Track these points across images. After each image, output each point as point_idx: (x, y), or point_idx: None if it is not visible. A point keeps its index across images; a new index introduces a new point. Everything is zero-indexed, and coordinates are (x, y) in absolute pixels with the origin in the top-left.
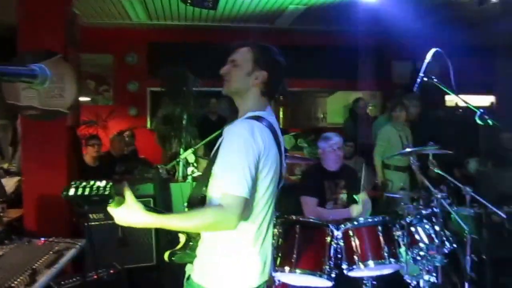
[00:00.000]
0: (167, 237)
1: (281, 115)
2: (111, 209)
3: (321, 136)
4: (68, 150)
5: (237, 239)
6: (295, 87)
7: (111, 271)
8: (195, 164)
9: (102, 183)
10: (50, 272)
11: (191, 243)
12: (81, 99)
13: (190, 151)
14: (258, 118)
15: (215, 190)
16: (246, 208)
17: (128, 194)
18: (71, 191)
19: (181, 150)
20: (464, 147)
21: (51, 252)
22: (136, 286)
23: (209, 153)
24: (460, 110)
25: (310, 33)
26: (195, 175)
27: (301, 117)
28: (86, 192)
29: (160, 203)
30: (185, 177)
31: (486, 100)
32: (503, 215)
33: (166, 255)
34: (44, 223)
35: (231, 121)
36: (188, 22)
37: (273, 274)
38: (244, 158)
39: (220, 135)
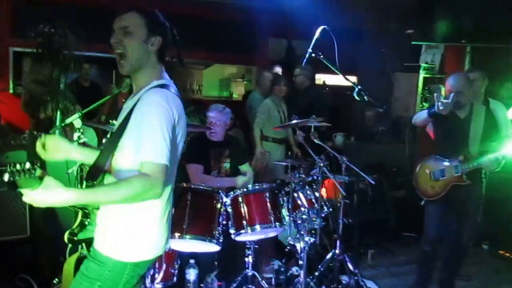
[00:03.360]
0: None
1: None
2: (27, 192)
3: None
4: None
5: (151, 208)
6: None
7: None
8: (81, 130)
9: (27, 164)
10: None
11: (88, 219)
12: None
13: (77, 115)
14: (165, 86)
15: (122, 162)
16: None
17: (44, 173)
18: (5, 177)
19: (58, 116)
20: (331, 123)
21: None
22: (8, 260)
23: (87, 121)
24: (327, 89)
25: (190, 3)
26: (81, 141)
27: (176, 88)
28: (18, 176)
29: None
30: None
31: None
32: (372, 182)
33: (66, 237)
34: None
35: (108, 88)
36: None
37: None
38: (164, 126)
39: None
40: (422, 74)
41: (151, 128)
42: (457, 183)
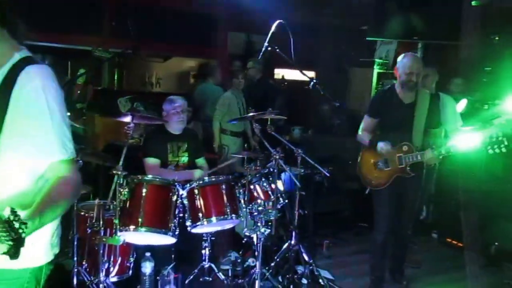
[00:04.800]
0: None
1: (116, 77)
2: None
3: (166, 99)
4: None
5: None
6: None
7: None
8: None
9: None
10: None
11: None
12: None
13: None
14: (34, 60)
15: (8, 168)
16: None
17: None
18: None
19: None
20: (289, 116)
21: None
22: None
23: None
24: (286, 83)
25: None
26: None
27: (134, 81)
28: None
29: None
30: None
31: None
32: (327, 174)
33: None
34: None
35: (63, 80)
36: None
37: (119, 233)
38: (63, 113)
39: None
40: (376, 69)
41: (53, 122)
42: (401, 175)
